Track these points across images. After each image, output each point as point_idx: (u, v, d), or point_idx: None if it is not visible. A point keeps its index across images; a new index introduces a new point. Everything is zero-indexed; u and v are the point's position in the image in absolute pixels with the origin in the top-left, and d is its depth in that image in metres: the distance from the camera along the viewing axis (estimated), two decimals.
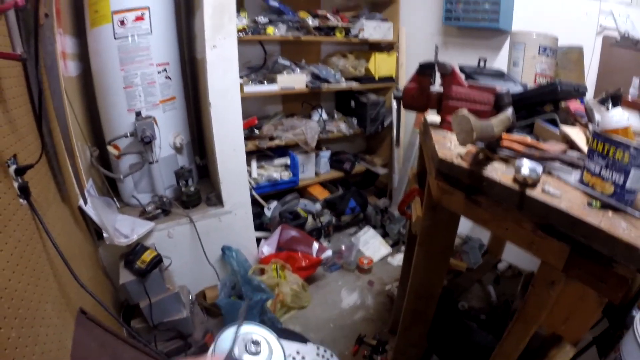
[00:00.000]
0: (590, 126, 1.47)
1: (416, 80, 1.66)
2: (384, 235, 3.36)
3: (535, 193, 1.02)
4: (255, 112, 3.05)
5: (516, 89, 1.84)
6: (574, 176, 1.17)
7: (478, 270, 2.66)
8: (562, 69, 2.59)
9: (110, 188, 2.35)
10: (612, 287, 0.92)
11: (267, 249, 2.79)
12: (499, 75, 2.27)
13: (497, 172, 1.14)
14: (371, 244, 3.26)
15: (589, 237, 0.91)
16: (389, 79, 3.48)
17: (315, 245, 2.89)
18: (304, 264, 2.71)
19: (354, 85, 3.29)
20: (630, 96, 2.05)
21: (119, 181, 2.33)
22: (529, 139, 1.37)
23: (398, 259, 3.09)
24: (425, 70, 1.63)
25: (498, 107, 1.46)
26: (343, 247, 3.07)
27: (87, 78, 2.25)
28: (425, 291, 1.68)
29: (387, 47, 3.50)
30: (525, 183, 1.05)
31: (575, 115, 1.73)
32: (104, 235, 1.88)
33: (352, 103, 3.51)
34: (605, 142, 1.03)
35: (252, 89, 2.73)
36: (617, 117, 1.12)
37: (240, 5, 2.53)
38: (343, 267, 3.01)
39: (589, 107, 1.68)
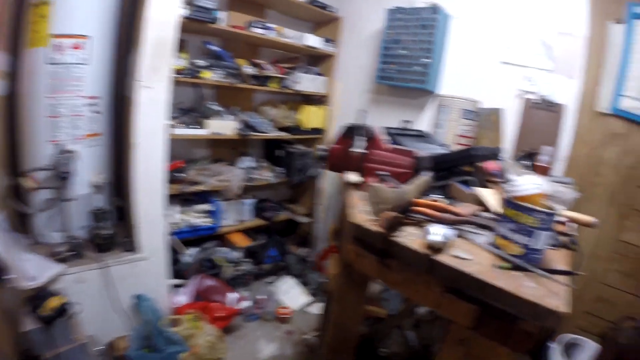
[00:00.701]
0: (504, 186, 1.57)
1: (342, 142, 1.76)
2: (305, 284, 3.40)
3: (443, 258, 1.11)
4: (182, 155, 3.02)
5: (437, 150, 2.00)
6: (485, 238, 1.27)
7: (398, 316, 2.75)
8: (483, 129, 2.89)
9: (21, 223, 2.18)
10: (519, 342, 1.01)
11: (183, 298, 2.71)
12: (423, 136, 2.47)
13: (409, 237, 1.22)
14: (291, 293, 3.28)
15: (496, 299, 1.00)
16: (318, 131, 3.66)
17: (234, 294, 2.86)
18: (221, 314, 2.65)
19: (284, 135, 3.40)
20: (541, 162, 2.33)
21: (30, 216, 2.17)
22: (441, 202, 1.47)
23: (318, 308, 3.13)
24: (351, 133, 1.73)
25: (417, 170, 1.58)
26: (262, 297, 3.06)
27: (14, 100, 2.12)
28: (341, 345, 1.73)
29: (321, 100, 3.71)
30: (434, 248, 1.13)
31: (491, 175, 1.91)
32: (8, 275, 1.72)
33: (281, 152, 3.60)
34: (515, 208, 1.15)
35: (182, 131, 2.72)
36: (526, 185, 1.25)
37: (182, 47, 2.56)
38: (262, 316, 2.99)
39: (504, 167, 1.88)
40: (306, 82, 3.43)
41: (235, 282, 3.09)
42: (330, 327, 1.72)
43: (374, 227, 1.28)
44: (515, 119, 2.83)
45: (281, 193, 4.05)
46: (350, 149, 1.72)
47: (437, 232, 1.14)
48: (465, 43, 3.01)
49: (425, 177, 1.45)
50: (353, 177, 1.77)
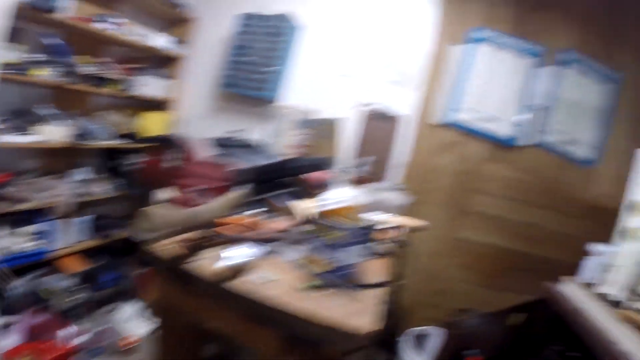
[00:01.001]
0: (316, 201, 1.50)
1: (156, 154, 1.68)
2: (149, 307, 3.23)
3: (240, 282, 1.06)
4: (8, 167, 2.58)
5: (263, 162, 1.99)
6: (295, 255, 1.23)
7: None
8: (322, 138, 3.11)
9: None
10: None
11: (11, 339, 2.33)
12: (252, 147, 2.49)
13: (207, 261, 1.15)
14: (136, 320, 3.07)
15: (297, 324, 0.96)
16: (162, 139, 3.49)
17: (71, 328, 2.57)
18: (57, 354, 2.37)
19: (124, 143, 3.17)
20: (362, 173, 2.55)
21: None
22: (251, 219, 1.43)
23: None
24: (166, 145, 1.66)
25: (234, 184, 1.55)
26: (105, 327, 2.79)
27: None
28: None
29: (166, 105, 3.55)
30: (229, 273, 1.08)
31: (318, 186, 1.95)
32: None
33: (120, 162, 3.34)
34: (321, 223, 1.16)
35: (7, 139, 2.34)
36: (335, 198, 1.24)
37: (19, 37, 2.22)
38: (106, 349, 2.73)
39: (329, 179, 1.98)
40: (151, 85, 3.27)
41: (72, 314, 2.75)
42: (162, 353, 1.58)
43: (174, 251, 1.20)
44: (356, 129, 3.16)
45: (123, 208, 3.74)
46: (165, 163, 1.63)
47: (233, 255, 1.09)
48: (312, 54, 3.24)
49: (238, 192, 1.41)
50: (165, 193, 1.70)
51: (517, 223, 3.19)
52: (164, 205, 1.09)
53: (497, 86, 3.13)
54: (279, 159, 2.52)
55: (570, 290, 2.02)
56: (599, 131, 3.18)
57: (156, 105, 3.53)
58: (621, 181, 3.01)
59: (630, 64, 3.16)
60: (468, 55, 3.11)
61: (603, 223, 2.93)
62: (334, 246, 1.11)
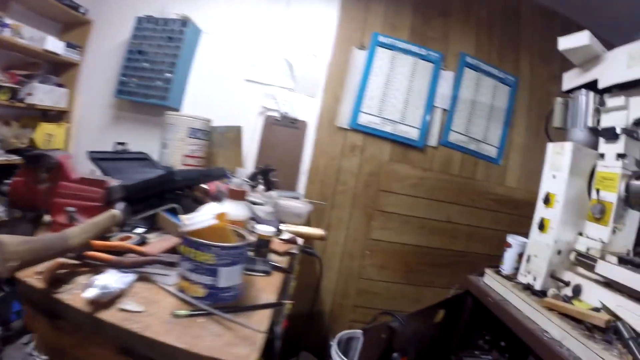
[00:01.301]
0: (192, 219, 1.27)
1: (25, 173, 1.54)
2: None
3: (109, 313, 0.98)
4: None
5: (152, 174, 1.82)
6: (170, 279, 1.15)
7: None
8: (220, 147, 3.11)
9: None
10: None
11: None
12: (143, 159, 2.37)
13: (76, 291, 1.05)
14: None
15: (173, 356, 0.90)
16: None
17: None
18: None
19: (16, 159, 2.89)
20: (235, 186, 2.33)
21: None
22: (128, 241, 1.34)
23: None
24: (33, 162, 1.53)
25: (110, 202, 1.42)
26: None
27: None
28: None
29: (60, 115, 3.29)
30: (100, 303, 1.00)
31: (211, 199, 1.86)
32: None
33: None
34: (188, 245, 1.05)
35: None
36: (202, 216, 1.12)
37: None
38: None
39: (219, 190, 1.91)
40: (42, 94, 2.98)
41: None
42: None
43: (36, 280, 1.07)
44: (257, 136, 3.14)
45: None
46: (35, 182, 1.48)
47: (105, 283, 1.01)
48: (212, 59, 3.23)
49: (111, 212, 1.28)
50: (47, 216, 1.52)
51: (431, 220, 3.38)
52: (36, 231, 0.94)
53: (401, 89, 3.31)
54: (169, 170, 2.29)
55: (493, 281, 2.12)
56: (502, 130, 3.46)
57: (52, 115, 3.25)
58: (527, 175, 3.26)
59: (524, 69, 3.62)
60: (370, 60, 3.22)
61: (518, 214, 3.15)
62: (203, 269, 1.03)
